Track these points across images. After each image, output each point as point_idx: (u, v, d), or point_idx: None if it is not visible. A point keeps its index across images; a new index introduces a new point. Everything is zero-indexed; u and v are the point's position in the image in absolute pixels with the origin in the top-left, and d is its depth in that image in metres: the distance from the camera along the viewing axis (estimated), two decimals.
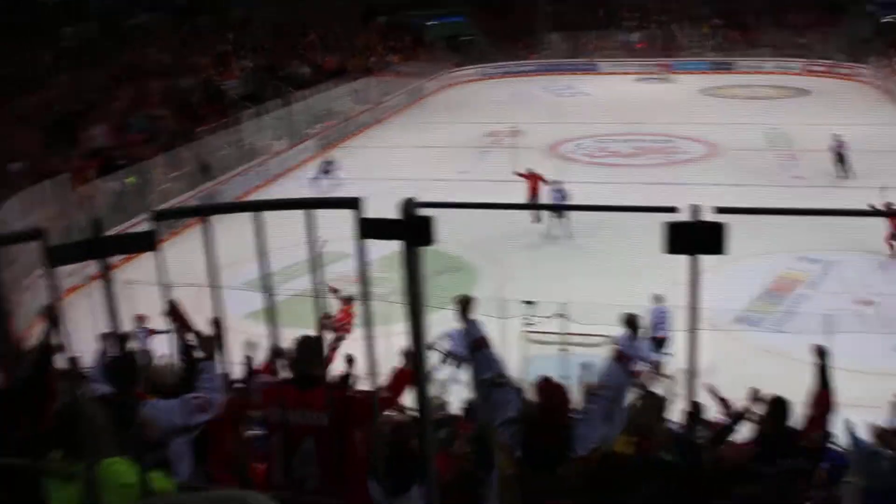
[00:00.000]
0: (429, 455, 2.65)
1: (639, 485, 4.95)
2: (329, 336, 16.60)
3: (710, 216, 2.16)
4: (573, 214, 20.90)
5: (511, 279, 19.20)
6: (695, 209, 2.07)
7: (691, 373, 2.46)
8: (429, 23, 54.18)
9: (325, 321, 16.79)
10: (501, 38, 53.94)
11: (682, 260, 2.29)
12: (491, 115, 36.64)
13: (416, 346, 2.32)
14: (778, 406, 5.82)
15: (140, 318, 11.51)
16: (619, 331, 5.36)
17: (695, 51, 52.75)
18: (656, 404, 6.45)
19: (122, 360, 5.14)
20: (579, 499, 4.58)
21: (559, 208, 23.12)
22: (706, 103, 41.22)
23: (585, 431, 4.31)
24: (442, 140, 34.72)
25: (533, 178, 23.00)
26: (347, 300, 16.81)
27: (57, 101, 28.59)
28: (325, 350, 17.69)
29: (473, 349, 4.58)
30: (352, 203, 2.14)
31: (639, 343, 4.62)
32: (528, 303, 14.94)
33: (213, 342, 5.20)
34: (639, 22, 55.33)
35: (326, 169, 27.81)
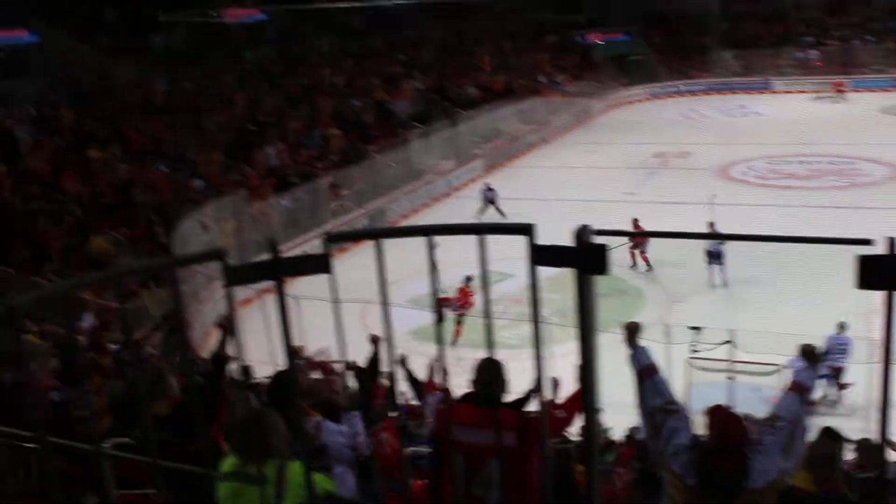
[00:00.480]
0: (595, 482, 2.59)
1: None
2: (449, 314, 17.55)
3: None
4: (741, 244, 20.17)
5: (677, 304, 18.80)
6: (892, 242, 1.94)
7: (882, 408, 2.29)
8: (597, 42, 53.82)
9: (443, 302, 17.57)
10: (671, 57, 53.01)
11: (864, 291, 2.15)
12: (659, 136, 36.06)
13: (586, 371, 2.27)
14: None
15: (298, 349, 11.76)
16: (795, 360, 5.16)
17: (876, 67, 50.16)
18: (835, 439, 6.16)
19: (288, 374, 5.29)
20: None
21: (744, 238, 22.32)
22: (889, 123, 39.22)
23: (763, 464, 4.13)
24: (609, 160, 34.39)
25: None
26: (466, 281, 17.63)
27: (236, 121, 29.93)
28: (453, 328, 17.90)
29: (641, 376, 4.49)
30: (525, 229, 2.11)
31: (817, 374, 4.40)
32: (695, 329, 14.56)
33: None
34: (816, 38, 53.15)
35: (489, 197, 27.53)
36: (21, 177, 21.85)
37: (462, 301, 18.05)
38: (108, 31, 33.83)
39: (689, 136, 35.05)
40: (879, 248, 1.98)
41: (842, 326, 14.23)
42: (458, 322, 17.92)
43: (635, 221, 21.42)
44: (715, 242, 20.03)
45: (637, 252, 21.35)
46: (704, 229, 20.67)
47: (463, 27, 50.70)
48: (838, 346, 14.16)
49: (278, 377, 5.69)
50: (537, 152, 38.24)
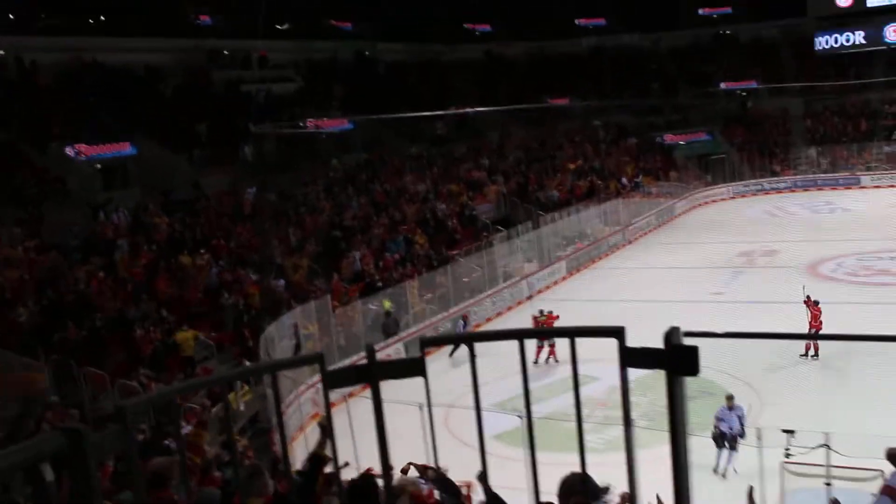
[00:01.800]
0: None
1: None
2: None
3: None
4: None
5: (769, 406, 18.30)
6: None
7: None
8: (678, 143, 53.95)
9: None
10: (753, 155, 52.74)
11: None
12: (744, 234, 35.64)
13: (678, 475, 2.27)
14: None
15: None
16: (888, 466, 5.01)
17: None
18: None
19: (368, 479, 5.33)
20: None
21: (828, 338, 21.79)
22: None
23: None
24: (693, 260, 34.08)
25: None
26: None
27: (323, 227, 30.59)
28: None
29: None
30: (616, 332, 2.16)
31: None
32: (788, 432, 14.12)
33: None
34: None
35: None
36: (117, 283, 22.67)
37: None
38: (201, 142, 35.18)
39: (775, 233, 34.59)
40: None
41: None
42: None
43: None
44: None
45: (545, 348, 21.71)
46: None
47: (544, 132, 51.36)
48: None
49: (362, 479, 5.71)
50: (620, 253, 38.15)
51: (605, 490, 4.80)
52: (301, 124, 36.76)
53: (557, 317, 23.40)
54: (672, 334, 2.19)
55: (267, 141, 37.04)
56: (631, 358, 2.24)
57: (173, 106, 37.00)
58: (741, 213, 44.61)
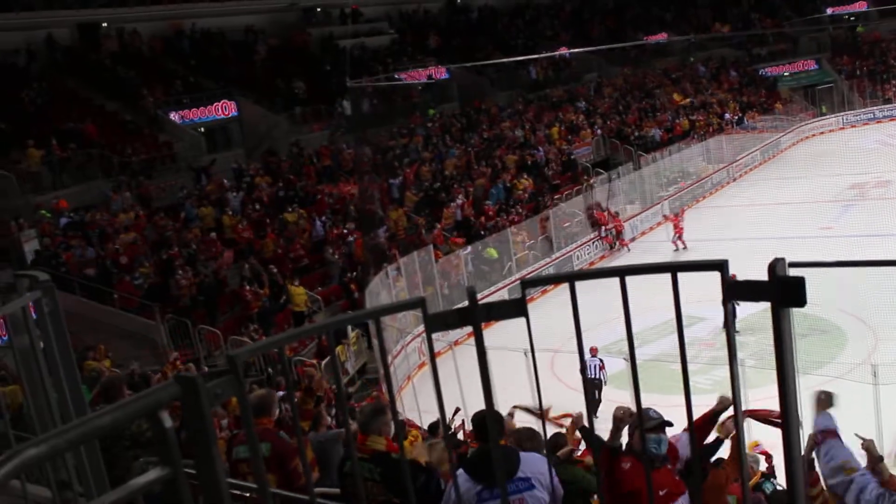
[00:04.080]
0: None
1: None
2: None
3: None
4: None
5: (885, 342, 17.70)
6: None
7: None
8: (783, 74, 52.21)
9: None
10: (863, 83, 50.65)
11: None
12: (854, 166, 34.27)
13: (786, 412, 2.22)
14: None
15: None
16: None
17: None
18: None
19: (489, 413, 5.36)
20: None
21: None
22: None
23: None
24: (801, 195, 33.04)
25: None
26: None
27: (423, 178, 30.73)
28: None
29: (821, 437, 4.33)
30: (718, 266, 2.11)
31: None
32: None
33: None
34: None
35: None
36: (225, 242, 23.31)
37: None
38: (299, 100, 35.59)
39: (888, 164, 33.18)
40: None
41: None
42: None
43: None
44: None
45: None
46: None
47: (642, 70, 50.28)
48: None
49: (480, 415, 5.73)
50: (725, 191, 37.33)
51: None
52: (396, 76, 36.82)
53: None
54: (776, 265, 2.14)
55: (364, 95, 37.27)
56: (734, 291, 2.19)
57: (271, 66, 37.46)
58: (851, 144, 42.81)
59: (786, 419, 2.19)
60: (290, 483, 5.60)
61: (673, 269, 2.23)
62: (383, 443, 4.98)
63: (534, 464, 4.34)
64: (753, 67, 53.22)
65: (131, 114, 30.28)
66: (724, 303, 2.17)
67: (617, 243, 29.79)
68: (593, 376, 16.23)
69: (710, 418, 5.44)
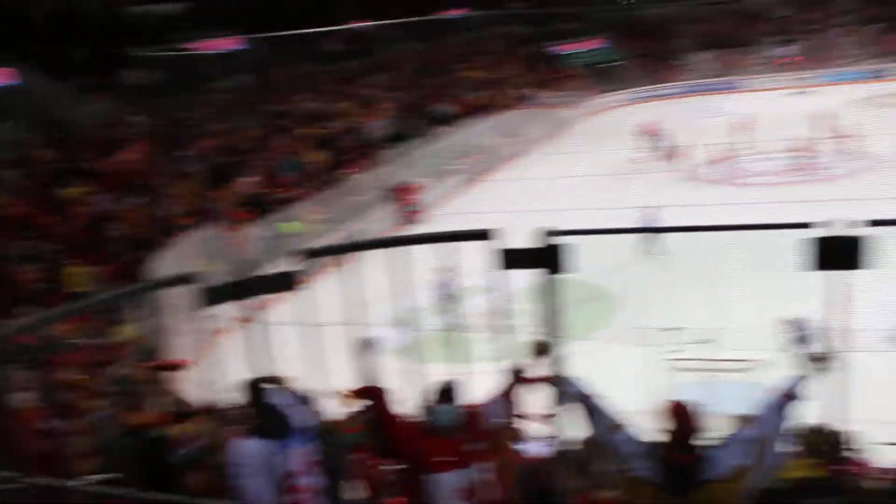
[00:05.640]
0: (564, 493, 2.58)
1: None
2: None
3: (860, 230, 2.03)
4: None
5: (652, 306, 18.73)
6: (835, 224, 1.95)
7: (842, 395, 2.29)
8: (572, 52, 54.13)
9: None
10: (647, 62, 53.38)
11: (824, 278, 2.14)
12: (637, 141, 35.98)
13: (556, 373, 2.26)
14: None
15: None
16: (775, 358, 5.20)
17: (846, 61, 50.67)
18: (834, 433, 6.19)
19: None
20: None
21: (690, 230, 22.51)
22: (860, 115, 39.47)
23: (725, 455, 4.21)
24: (586, 169, 34.52)
25: None
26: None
27: (213, 152, 29.91)
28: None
29: (583, 404, 4.46)
30: (483, 234, 2.11)
31: (802, 383, 4.41)
32: (673, 329, 14.72)
33: None
34: (789, 34, 53.69)
35: None
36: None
37: None
38: (80, 69, 33.76)
39: (666, 139, 35.02)
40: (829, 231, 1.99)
41: (798, 319, 14.00)
42: None
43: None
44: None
45: None
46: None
47: (437, 45, 50.81)
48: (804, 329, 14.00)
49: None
50: (516, 165, 38.32)
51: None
52: (185, 47, 35.58)
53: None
54: (543, 234, 2.17)
55: (150, 65, 35.80)
56: (505, 260, 2.21)
57: (50, 32, 35.31)
58: (633, 119, 44.91)
59: (555, 382, 2.23)
60: None
61: (445, 238, 2.23)
62: (148, 418, 4.90)
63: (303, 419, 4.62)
64: (545, 45, 54.86)
65: None
66: (495, 270, 2.19)
67: (411, 216, 30.11)
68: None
69: (511, 388, 5.56)
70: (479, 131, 38.81)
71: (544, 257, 2.15)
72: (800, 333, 11.72)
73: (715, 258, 20.33)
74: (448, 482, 5.11)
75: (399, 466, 5.44)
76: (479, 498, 5.31)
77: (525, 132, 41.90)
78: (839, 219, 1.99)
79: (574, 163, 35.91)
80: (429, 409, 5.20)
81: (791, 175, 30.05)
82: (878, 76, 48.45)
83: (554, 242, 2.15)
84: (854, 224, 2.01)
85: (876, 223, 2.04)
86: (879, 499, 5.18)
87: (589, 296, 19.89)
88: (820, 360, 4.35)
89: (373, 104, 39.18)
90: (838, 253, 1.93)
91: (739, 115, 42.16)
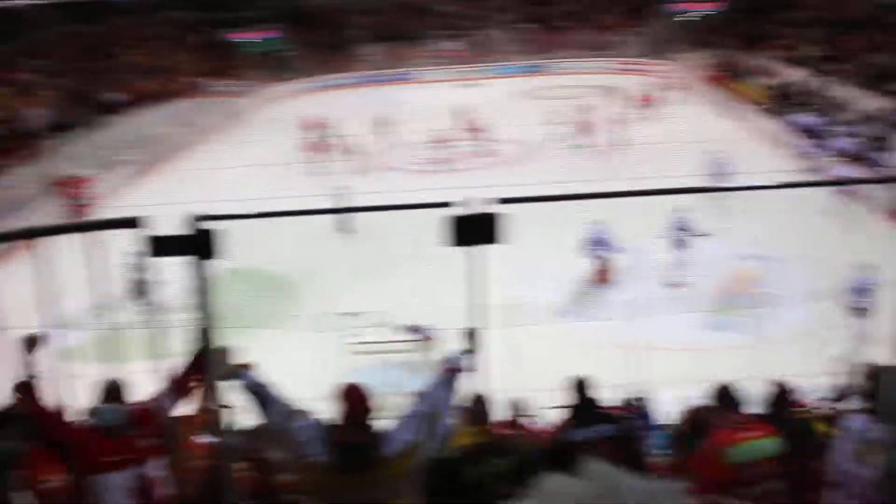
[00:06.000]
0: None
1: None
2: None
3: (493, 207, 2.25)
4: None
5: (332, 293, 19.15)
6: (472, 202, 2.17)
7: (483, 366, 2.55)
8: (243, 40, 53.40)
9: None
10: (320, 53, 53.80)
11: (472, 255, 2.35)
12: (309, 131, 36.17)
13: (206, 363, 2.34)
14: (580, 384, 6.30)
15: None
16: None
17: (506, 55, 54.23)
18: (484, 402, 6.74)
19: None
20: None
21: (343, 211, 23.49)
22: (520, 106, 42.34)
23: (397, 433, 4.44)
24: (259, 158, 34.43)
25: None
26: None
27: None
28: None
29: (258, 395, 4.51)
30: (131, 223, 2.15)
31: (468, 356, 4.74)
32: (350, 315, 15.16)
33: None
34: (451, 30, 56.38)
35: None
36: None
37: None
38: None
39: (338, 128, 35.49)
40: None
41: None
42: None
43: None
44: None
45: None
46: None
47: (102, 29, 48.19)
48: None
49: None
50: (188, 155, 37.30)
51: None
52: None
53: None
54: (193, 220, 2.24)
55: None
56: (156, 247, 2.25)
57: None
58: (306, 109, 45.03)
59: (226, 373, 2.31)
60: None
61: (90, 227, 2.24)
62: None
63: None
64: (216, 32, 53.73)
65: None
66: (147, 257, 2.22)
67: (79, 210, 28.47)
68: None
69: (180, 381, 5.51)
70: (150, 120, 37.40)
71: (194, 244, 2.21)
72: (419, 336, 12.56)
73: (386, 242, 21.25)
74: (117, 482, 5.06)
75: (63, 471, 5.30)
76: (154, 495, 5.29)
77: (198, 121, 40.91)
78: (473, 197, 2.20)
79: (247, 152, 35.72)
80: (94, 410, 5.14)
81: (460, 163, 31.69)
82: (536, 71, 52.20)
83: (203, 228, 2.22)
84: (486, 202, 2.24)
85: (505, 201, 2.29)
86: (540, 457, 5.65)
87: (268, 284, 19.98)
88: (472, 336, 4.69)
89: (30, 91, 36.54)
90: (473, 229, 2.14)
91: (415, 105, 43.82)
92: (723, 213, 20.55)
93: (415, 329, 14.73)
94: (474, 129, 34.46)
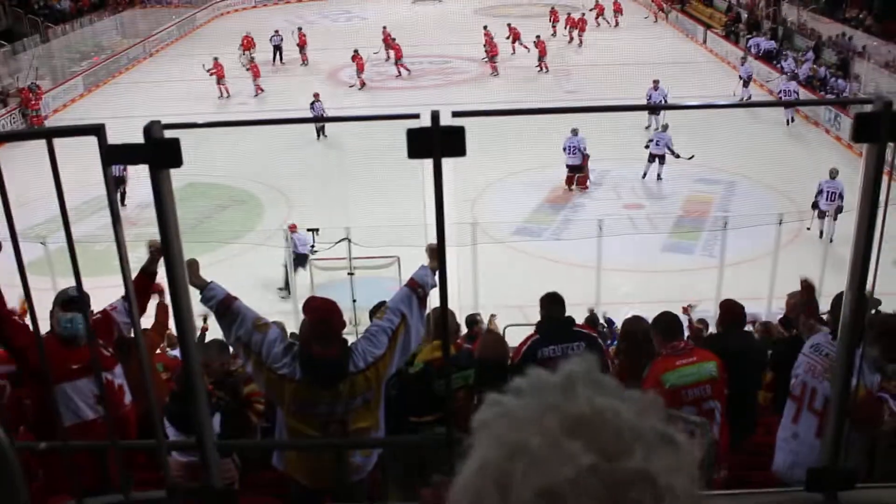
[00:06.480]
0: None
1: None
2: None
3: (450, 120, 2.19)
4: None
5: (295, 208, 19.12)
6: (434, 114, 2.10)
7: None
8: None
9: None
10: None
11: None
12: (266, 44, 35.56)
13: (174, 278, 2.29)
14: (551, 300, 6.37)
15: None
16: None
17: None
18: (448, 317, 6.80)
19: None
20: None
21: (317, 121, 23.41)
22: (481, 23, 41.81)
23: (364, 346, 4.46)
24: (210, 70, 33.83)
25: None
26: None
27: None
28: None
29: (224, 307, 4.49)
30: (94, 130, 2.07)
31: (434, 273, 4.74)
32: (313, 230, 15.08)
33: None
34: None
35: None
36: None
37: None
38: None
39: (297, 41, 34.96)
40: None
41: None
42: None
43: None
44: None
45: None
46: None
47: None
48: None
49: None
50: (141, 67, 36.51)
51: None
52: None
53: None
54: (151, 128, 2.16)
55: None
56: (112, 155, 2.17)
57: None
58: (263, 22, 43.98)
59: (173, 285, 2.25)
60: None
61: (47, 134, 2.15)
62: None
63: None
64: None
65: None
66: (104, 167, 2.15)
67: (31, 122, 27.75)
68: None
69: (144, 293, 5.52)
70: (100, 30, 36.45)
71: (152, 152, 2.14)
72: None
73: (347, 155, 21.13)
74: (79, 389, 5.16)
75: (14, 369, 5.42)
76: (118, 402, 5.41)
77: (150, 33, 39.91)
78: (430, 108, 2.13)
79: (199, 65, 35.09)
80: (57, 319, 5.18)
81: (422, 79, 31.49)
82: None
83: (161, 137, 2.14)
84: (442, 115, 2.16)
85: (457, 114, 2.21)
86: (498, 370, 5.80)
87: (233, 200, 19.91)
88: (435, 252, 4.67)
89: None
90: (434, 142, 2.08)
91: (371, 20, 43.04)
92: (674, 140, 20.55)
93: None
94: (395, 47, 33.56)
